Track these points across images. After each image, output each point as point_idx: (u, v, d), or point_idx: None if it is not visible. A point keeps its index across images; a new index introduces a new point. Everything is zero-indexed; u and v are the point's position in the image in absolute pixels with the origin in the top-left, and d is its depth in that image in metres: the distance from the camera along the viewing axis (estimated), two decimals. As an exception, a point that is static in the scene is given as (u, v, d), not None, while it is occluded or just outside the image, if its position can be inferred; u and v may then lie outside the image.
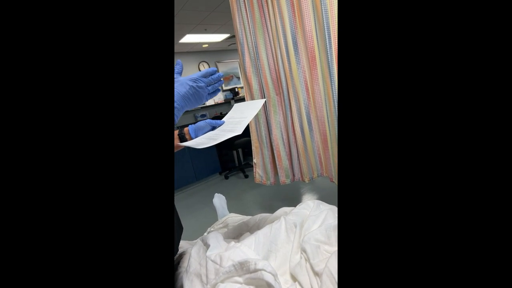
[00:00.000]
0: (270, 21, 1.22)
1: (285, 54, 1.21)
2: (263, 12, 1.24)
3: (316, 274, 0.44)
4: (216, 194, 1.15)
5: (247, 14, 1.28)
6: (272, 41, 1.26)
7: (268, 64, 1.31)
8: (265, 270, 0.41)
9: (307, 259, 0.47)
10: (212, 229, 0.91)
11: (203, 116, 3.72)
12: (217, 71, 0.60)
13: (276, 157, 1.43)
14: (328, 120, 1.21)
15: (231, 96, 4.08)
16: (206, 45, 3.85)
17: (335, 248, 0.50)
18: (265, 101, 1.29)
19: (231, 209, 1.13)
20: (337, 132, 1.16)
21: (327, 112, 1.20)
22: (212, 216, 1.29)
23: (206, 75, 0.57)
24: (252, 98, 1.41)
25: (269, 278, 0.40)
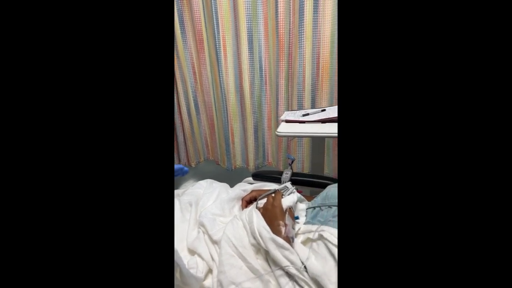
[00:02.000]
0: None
1: (170, 31, 1.14)
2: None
3: (215, 242, 0.48)
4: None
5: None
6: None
7: (151, 39, 1.18)
8: (166, 249, 0.40)
9: (205, 232, 0.51)
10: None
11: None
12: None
13: (160, 141, 1.34)
14: (215, 106, 1.26)
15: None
16: None
17: (229, 218, 0.56)
18: None
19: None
20: (223, 117, 1.24)
21: (214, 97, 1.25)
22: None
23: None
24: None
25: (171, 255, 0.40)
